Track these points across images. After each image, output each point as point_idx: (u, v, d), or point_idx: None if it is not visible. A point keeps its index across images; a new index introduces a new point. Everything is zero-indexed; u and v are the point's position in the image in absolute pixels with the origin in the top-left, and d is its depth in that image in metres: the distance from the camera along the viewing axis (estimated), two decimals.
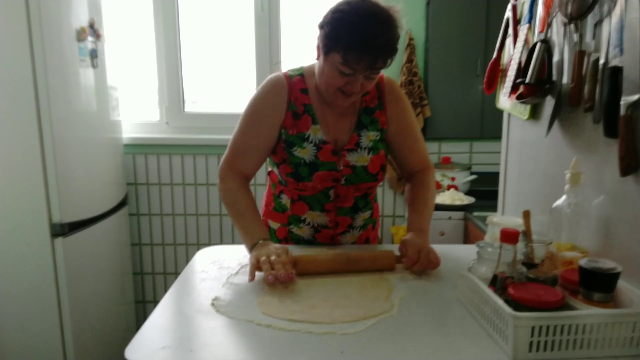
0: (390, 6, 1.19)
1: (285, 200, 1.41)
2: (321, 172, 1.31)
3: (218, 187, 1.38)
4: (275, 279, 1.09)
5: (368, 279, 1.18)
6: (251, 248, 1.22)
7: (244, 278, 1.18)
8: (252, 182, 2.70)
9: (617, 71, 1.00)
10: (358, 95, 1.27)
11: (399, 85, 1.42)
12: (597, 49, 1.09)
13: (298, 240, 1.42)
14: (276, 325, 0.95)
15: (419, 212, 1.36)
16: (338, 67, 1.18)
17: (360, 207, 1.41)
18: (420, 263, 1.18)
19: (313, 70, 1.33)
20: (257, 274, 1.15)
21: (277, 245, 1.21)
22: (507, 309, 0.85)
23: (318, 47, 1.23)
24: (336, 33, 1.16)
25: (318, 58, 1.25)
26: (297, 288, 1.12)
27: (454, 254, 1.35)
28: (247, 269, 1.19)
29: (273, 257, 1.12)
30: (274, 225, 1.44)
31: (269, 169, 1.47)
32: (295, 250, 1.36)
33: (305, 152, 1.31)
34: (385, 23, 1.16)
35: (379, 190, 2.71)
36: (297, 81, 1.33)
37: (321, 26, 1.21)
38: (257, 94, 1.35)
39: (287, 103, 1.32)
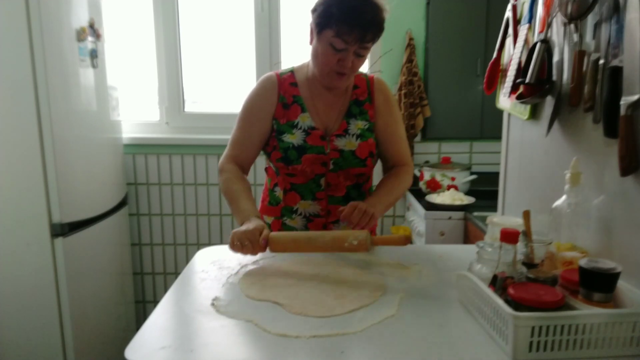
0: None
1: (278, 192, 1.47)
2: (309, 154, 1.38)
3: (218, 180, 1.44)
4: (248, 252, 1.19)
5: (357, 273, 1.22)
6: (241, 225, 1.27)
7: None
8: (252, 182, 2.70)
9: (617, 71, 1.00)
10: (350, 76, 1.36)
11: (389, 86, 1.52)
12: (597, 49, 1.09)
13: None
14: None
15: (377, 195, 1.41)
16: (331, 41, 1.28)
17: (353, 197, 1.45)
18: (353, 217, 1.26)
19: (303, 66, 1.47)
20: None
21: (256, 224, 1.22)
22: (507, 309, 0.84)
23: (311, 31, 1.34)
24: (328, 10, 1.27)
25: (311, 42, 1.36)
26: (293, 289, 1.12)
27: (454, 254, 1.35)
28: (247, 269, 1.24)
29: (246, 243, 1.18)
30: (269, 219, 1.49)
31: (266, 165, 1.52)
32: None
33: (294, 137, 1.40)
34: (372, 3, 1.28)
35: None
36: (287, 77, 1.45)
37: (313, 10, 1.33)
38: (250, 92, 1.47)
39: (277, 96, 1.43)
